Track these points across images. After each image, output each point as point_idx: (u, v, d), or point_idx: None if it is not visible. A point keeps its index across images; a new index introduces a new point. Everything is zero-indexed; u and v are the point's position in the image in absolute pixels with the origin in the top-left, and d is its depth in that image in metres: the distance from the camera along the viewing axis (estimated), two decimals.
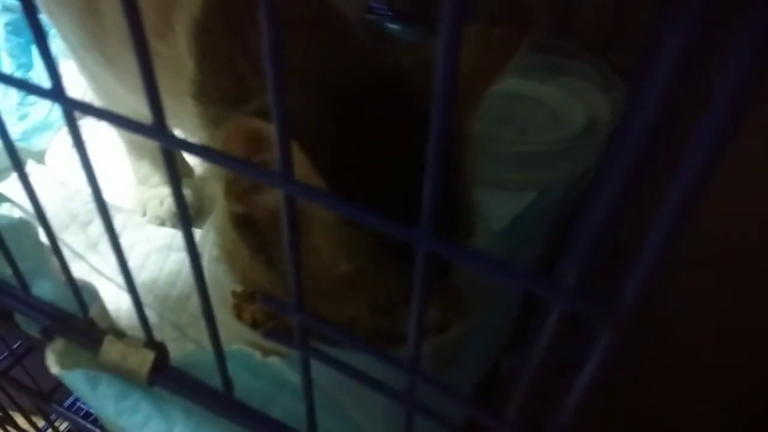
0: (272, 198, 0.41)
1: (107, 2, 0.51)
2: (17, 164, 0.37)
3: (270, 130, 0.34)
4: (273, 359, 0.42)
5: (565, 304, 0.22)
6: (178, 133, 0.64)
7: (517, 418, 0.29)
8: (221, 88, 0.45)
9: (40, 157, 0.82)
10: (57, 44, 0.75)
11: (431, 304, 0.25)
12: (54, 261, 0.48)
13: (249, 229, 0.42)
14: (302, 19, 0.44)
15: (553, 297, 0.22)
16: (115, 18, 0.51)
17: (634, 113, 0.17)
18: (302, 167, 0.35)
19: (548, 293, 0.22)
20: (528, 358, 0.27)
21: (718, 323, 0.73)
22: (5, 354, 0.84)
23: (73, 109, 0.29)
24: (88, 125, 0.74)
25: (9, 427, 0.81)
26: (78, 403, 0.92)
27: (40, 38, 0.27)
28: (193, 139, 0.63)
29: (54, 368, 0.43)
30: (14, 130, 0.86)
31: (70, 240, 0.66)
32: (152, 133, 0.27)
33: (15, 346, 0.81)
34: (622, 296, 0.20)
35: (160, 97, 0.26)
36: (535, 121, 0.74)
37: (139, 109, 0.61)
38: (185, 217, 0.31)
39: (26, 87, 0.29)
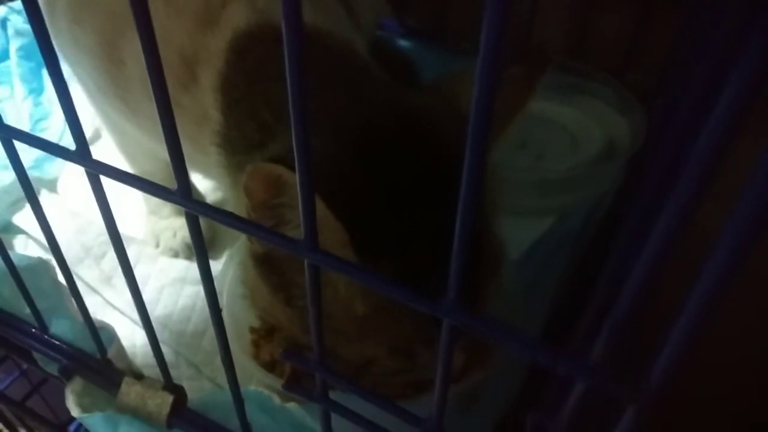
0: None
1: (131, 53, 0.50)
2: (33, 200, 0.37)
3: (288, 174, 0.35)
4: (292, 405, 0.42)
5: (593, 382, 0.22)
6: (196, 177, 0.64)
7: None
8: (245, 135, 0.45)
9: (52, 186, 0.81)
10: (66, 69, 0.75)
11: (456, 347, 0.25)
12: (72, 300, 0.49)
13: (269, 267, 0.42)
14: (317, 64, 0.44)
15: (581, 376, 0.22)
16: (138, 69, 0.50)
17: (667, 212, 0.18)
18: (326, 219, 0.35)
19: (578, 373, 0.22)
20: (555, 421, 0.27)
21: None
22: (16, 374, 0.85)
23: (99, 173, 0.29)
24: (98, 153, 0.74)
25: None
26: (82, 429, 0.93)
27: (65, 98, 0.27)
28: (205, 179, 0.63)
29: (74, 411, 0.43)
30: (26, 158, 0.84)
31: (84, 274, 0.66)
32: (178, 198, 0.27)
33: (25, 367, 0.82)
34: (650, 377, 0.20)
35: (185, 162, 0.27)
36: (553, 144, 0.73)
37: (154, 149, 0.61)
38: (207, 276, 0.31)
39: (50, 148, 0.30)
